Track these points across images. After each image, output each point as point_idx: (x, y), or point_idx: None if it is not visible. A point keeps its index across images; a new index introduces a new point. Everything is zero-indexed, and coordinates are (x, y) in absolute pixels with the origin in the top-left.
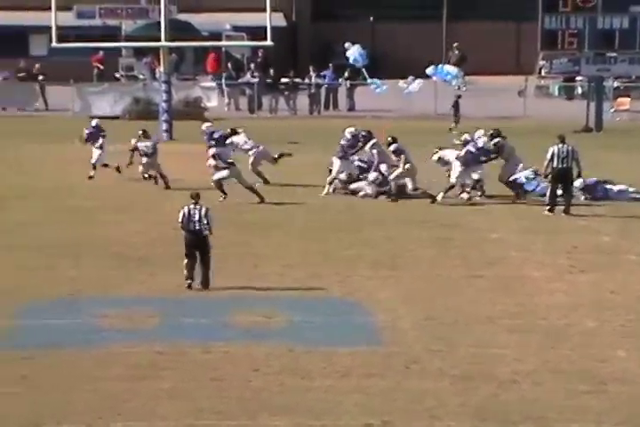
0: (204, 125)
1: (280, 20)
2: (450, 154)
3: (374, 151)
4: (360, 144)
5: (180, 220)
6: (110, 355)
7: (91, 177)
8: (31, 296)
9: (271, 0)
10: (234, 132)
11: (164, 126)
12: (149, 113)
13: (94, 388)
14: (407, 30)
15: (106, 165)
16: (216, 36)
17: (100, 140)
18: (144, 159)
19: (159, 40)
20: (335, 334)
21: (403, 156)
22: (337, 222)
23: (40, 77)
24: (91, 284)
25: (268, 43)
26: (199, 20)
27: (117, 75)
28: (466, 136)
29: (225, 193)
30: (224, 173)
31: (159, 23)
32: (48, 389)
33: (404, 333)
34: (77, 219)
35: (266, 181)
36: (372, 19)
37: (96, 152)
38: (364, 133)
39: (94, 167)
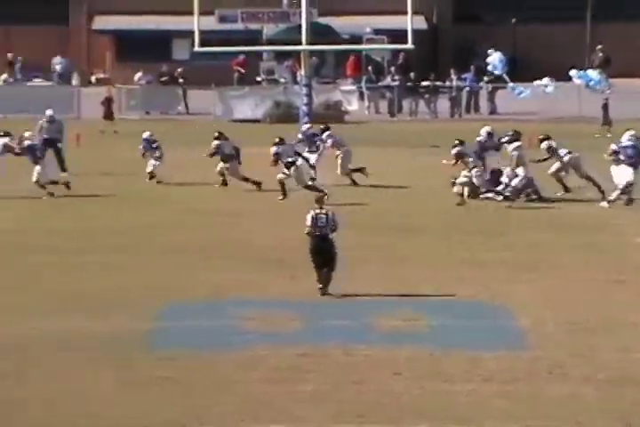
0: (304, 127)
1: (421, 22)
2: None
3: (514, 153)
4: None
5: (309, 224)
6: (252, 357)
7: (152, 177)
8: (173, 298)
9: (412, 3)
10: (327, 129)
11: None
12: (290, 116)
13: (237, 390)
14: (549, 32)
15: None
16: (356, 39)
17: (157, 153)
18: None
19: (300, 43)
20: (478, 337)
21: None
22: (480, 226)
23: (181, 81)
24: (232, 286)
25: (409, 46)
26: (340, 23)
27: (258, 78)
28: (612, 147)
29: (285, 194)
30: (285, 172)
31: (300, 26)
32: (191, 390)
33: (548, 337)
34: (218, 222)
35: (355, 183)
36: (513, 20)
37: (152, 162)
38: (510, 133)
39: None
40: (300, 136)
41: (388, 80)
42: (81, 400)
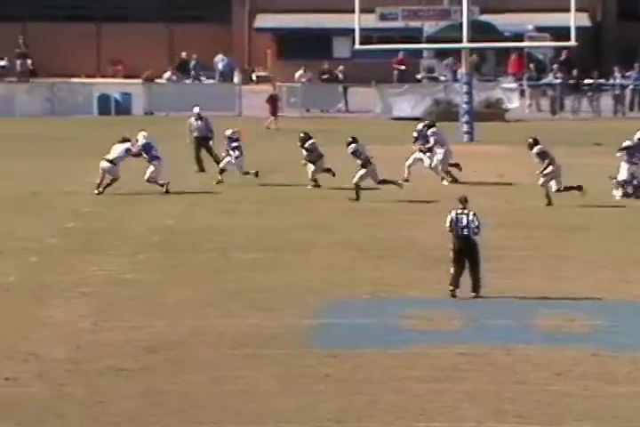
0: (420, 126)
1: (584, 19)
2: None
3: None
4: None
5: (447, 224)
6: (413, 356)
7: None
8: (335, 296)
9: (576, 0)
10: (431, 126)
11: (465, 128)
12: (450, 114)
13: (397, 388)
14: None
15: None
16: (518, 36)
17: (237, 152)
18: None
19: (460, 41)
20: None
21: None
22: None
23: (341, 78)
24: (392, 284)
25: (572, 43)
26: (501, 20)
27: (418, 76)
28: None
29: (358, 197)
30: (361, 172)
31: (461, 24)
32: (351, 388)
33: None
34: (380, 220)
35: (455, 181)
36: None
37: (227, 159)
38: None
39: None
40: (414, 134)
41: (549, 78)
42: (242, 396)
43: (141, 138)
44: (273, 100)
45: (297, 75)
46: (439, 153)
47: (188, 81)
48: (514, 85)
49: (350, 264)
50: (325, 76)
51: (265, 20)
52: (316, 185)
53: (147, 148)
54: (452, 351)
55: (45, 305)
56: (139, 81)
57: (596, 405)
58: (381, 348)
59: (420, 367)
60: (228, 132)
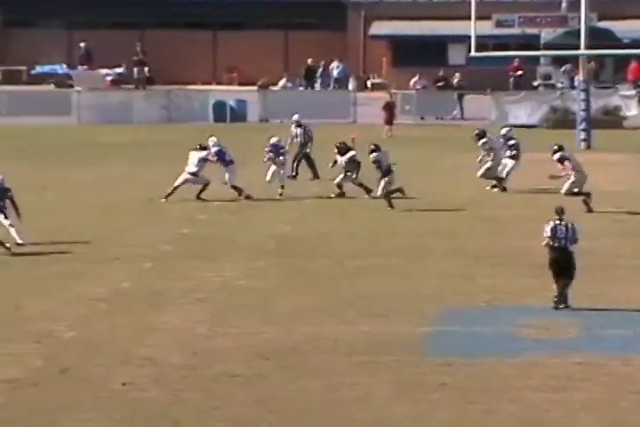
0: (504, 130)
1: None
2: None
3: None
4: None
5: (548, 235)
6: (529, 365)
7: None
8: (450, 303)
9: None
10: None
11: (582, 135)
12: (566, 122)
13: (513, 397)
14: None
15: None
16: (637, 43)
17: (282, 158)
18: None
19: (578, 48)
20: None
21: None
22: None
23: (456, 85)
24: (506, 292)
25: None
26: (619, 27)
27: (535, 83)
28: None
29: (391, 206)
30: (383, 183)
31: (578, 31)
32: (466, 396)
33: None
34: (494, 227)
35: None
36: None
37: (273, 169)
38: None
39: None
40: (500, 140)
41: None
42: (357, 403)
43: (211, 144)
44: (389, 108)
45: (412, 82)
46: (488, 163)
47: (301, 88)
48: (632, 93)
49: (465, 272)
50: (440, 84)
51: (380, 27)
52: (341, 193)
53: (219, 154)
54: (567, 361)
55: (160, 311)
56: (254, 88)
57: None
58: (497, 356)
59: (536, 377)
60: (274, 140)
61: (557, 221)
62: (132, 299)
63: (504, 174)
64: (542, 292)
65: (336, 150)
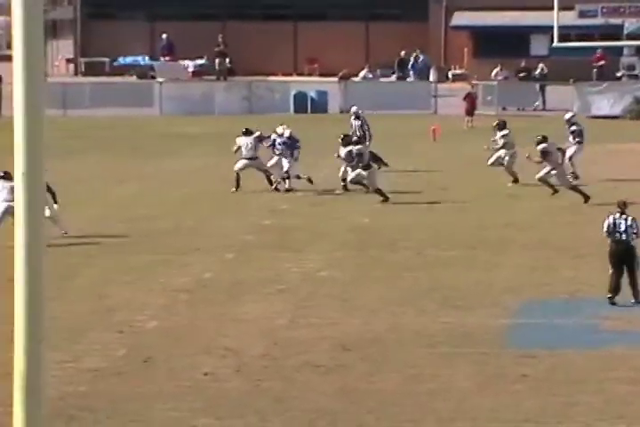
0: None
1: None
2: None
3: None
4: None
5: (605, 229)
6: (611, 357)
7: (277, 189)
8: (532, 295)
9: None
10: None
11: None
12: None
13: (595, 389)
14: None
15: (298, 177)
16: None
17: (296, 152)
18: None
19: None
20: None
21: None
22: None
23: (538, 76)
24: (588, 284)
25: None
26: None
27: (618, 74)
28: None
29: (386, 198)
30: (353, 173)
31: None
32: (548, 388)
33: None
34: (576, 219)
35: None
36: None
37: (287, 163)
38: None
39: (288, 177)
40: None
41: None
42: (438, 395)
43: (279, 132)
44: (470, 99)
45: (493, 73)
46: (507, 154)
47: (383, 79)
48: None
49: (546, 263)
50: (522, 74)
51: (461, 18)
52: (345, 188)
53: (285, 143)
54: None
55: (241, 301)
56: (334, 79)
57: None
58: (579, 348)
59: (619, 368)
60: (287, 133)
61: (618, 215)
62: (214, 289)
63: (566, 160)
64: (624, 284)
65: (340, 141)
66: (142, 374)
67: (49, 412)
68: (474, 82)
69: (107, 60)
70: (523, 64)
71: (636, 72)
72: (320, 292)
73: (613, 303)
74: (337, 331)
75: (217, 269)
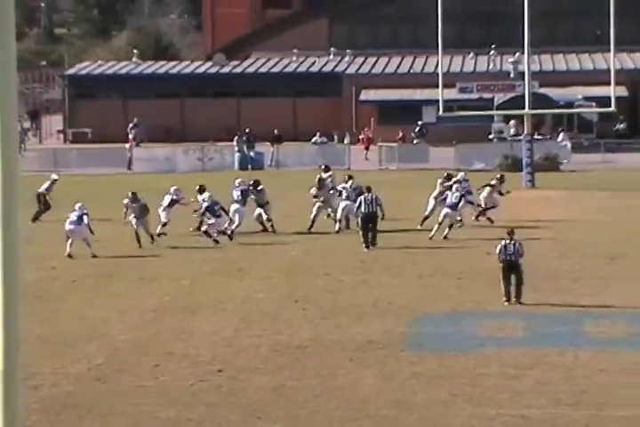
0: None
1: (623, 91)
2: None
3: None
4: None
5: (497, 251)
6: (486, 356)
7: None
8: (422, 309)
9: (615, 76)
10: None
11: (527, 177)
12: (516, 166)
13: (474, 382)
14: None
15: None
16: (569, 104)
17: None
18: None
19: (523, 108)
20: None
21: None
22: None
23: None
24: (469, 301)
25: (612, 109)
26: (556, 92)
27: (490, 136)
28: None
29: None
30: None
31: (523, 96)
32: (437, 382)
33: None
34: (456, 248)
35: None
36: None
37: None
38: None
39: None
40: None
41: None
42: (351, 388)
43: (236, 184)
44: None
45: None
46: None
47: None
48: (566, 143)
49: (435, 284)
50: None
51: (368, 94)
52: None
53: (243, 194)
54: (515, 353)
55: (195, 318)
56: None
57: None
58: (460, 351)
59: (491, 365)
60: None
61: (508, 240)
62: (174, 309)
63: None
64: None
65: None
66: (117, 377)
67: (40, 408)
68: (379, 144)
69: (89, 130)
70: (417, 129)
71: (504, 135)
72: (257, 309)
73: (508, 302)
74: (270, 340)
75: (176, 293)
